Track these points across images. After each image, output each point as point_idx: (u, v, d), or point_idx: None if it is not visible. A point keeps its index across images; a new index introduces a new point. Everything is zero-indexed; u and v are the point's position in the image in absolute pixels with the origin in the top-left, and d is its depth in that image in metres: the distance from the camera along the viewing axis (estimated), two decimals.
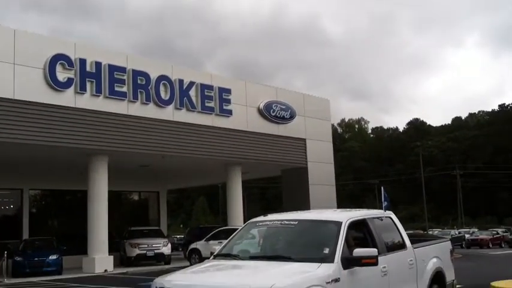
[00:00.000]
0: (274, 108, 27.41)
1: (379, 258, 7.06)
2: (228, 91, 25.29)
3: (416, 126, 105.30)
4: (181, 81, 23.50)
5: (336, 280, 6.28)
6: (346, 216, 7.32)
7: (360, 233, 7.45)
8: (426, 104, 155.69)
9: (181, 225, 74.13)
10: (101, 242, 21.60)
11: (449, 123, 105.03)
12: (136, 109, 21.95)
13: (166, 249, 25.14)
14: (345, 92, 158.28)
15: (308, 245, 7.03)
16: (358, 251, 6.58)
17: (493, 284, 13.37)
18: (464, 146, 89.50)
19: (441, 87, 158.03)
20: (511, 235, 45.30)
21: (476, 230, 51.73)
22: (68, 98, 19.89)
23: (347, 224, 7.03)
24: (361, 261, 6.54)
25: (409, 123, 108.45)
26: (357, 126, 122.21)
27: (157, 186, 32.21)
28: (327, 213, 7.88)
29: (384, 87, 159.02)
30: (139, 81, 22.06)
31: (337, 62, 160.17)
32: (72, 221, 26.88)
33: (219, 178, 29.73)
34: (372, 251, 6.61)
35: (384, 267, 7.21)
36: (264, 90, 27.57)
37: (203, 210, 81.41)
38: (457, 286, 13.44)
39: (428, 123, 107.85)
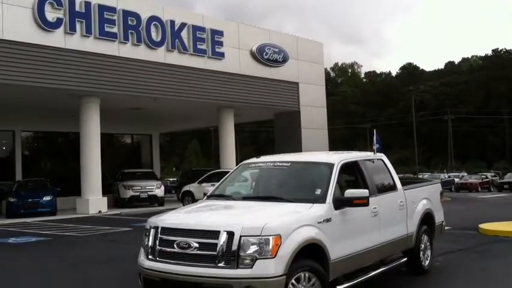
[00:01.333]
0: (267, 51, 27.11)
1: (370, 199, 7.17)
2: (221, 33, 24.93)
3: (410, 71, 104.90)
4: (172, 23, 23.10)
5: (328, 220, 6.39)
6: (339, 158, 7.38)
7: (352, 174, 7.54)
8: (419, 49, 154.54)
9: (174, 169, 74.56)
10: (95, 183, 21.75)
11: (442, 68, 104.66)
12: (127, 51, 21.66)
13: (160, 192, 25.39)
14: (337, 36, 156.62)
15: (300, 186, 7.11)
16: (350, 192, 6.67)
17: (481, 226, 13.79)
18: (456, 90, 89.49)
19: (435, 31, 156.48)
20: (499, 179, 45.99)
21: (465, 174, 52.45)
22: (57, 39, 19.56)
23: (339, 166, 7.09)
24: (353, 202, 6.64)
25: (402, 68, 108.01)
26: (350, 70, 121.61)
27: (149, 129, 32.19)
28: (320, 155, 7.94)
29: (376, 31, 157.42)
30: (129, 22, 21.66)
31: (328, 5, 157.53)
32: (66, 162, 26.98)
33: (212, 121, 29.71)
34: (363, 192, 6.70)
35: (375, 208, 7.34)
36: (257, 33, 27.18)
37: (196, 153, 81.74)
38: (447, 228, 13.78)
39: (421, 68, 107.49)
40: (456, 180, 44.08)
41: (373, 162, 8.07)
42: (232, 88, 25.47)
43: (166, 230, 6.14)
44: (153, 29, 22.41)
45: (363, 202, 6.66)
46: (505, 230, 12.66)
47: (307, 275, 5.98)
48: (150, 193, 25.01)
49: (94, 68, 20.60)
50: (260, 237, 5.65)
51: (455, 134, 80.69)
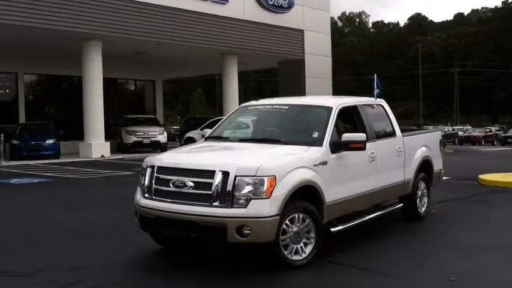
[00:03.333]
0: None
1: (368, 144, 7.16)
2: None
3: (418, 22, 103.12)
4: None
5: (324, 163, 6.40)
6: (337, 102, 7.32)
7: (350, 119, 7.51)
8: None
9: (179, 117, 74.49)
10: (97, 128, 21.79)
11: (451, 19, 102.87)
12: None
13: (162, 138, 25.43)
14: None
15: (298, 129, 7.09)
16: (347, 136, 6.65)
17: (481, 176, 13.83)
18: (464, 43, 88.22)
19: None
20: (503, 133, 45.91)
21: (470, 127, 52.32)
22: None
23: (337, 110, 7.05)
24: (350, 146, 6.63)
25: (410, 18, 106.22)
26: (357, 20, 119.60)
27: (153, 75, 31.97)
28: (318, 98, 7.90)
29: None
30: None
31: None
32: (69, 106, 26.92)
33: (216, 69, 29.40)
34: (361, 136, 6.68)
35: (372, 153, 7.33)
36: None
37: (200, 102, 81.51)
38: (446, 178, 13.83)
39: (429, 19, 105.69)
40: (460, 133, 44.04)
41: (373, 107, 8.01)
42: (235, 34, 25.12)
43: (163, 169, 6.18)
44: None
45: (360, 146, 6.64)
46: (504, 181, 12.69)
47: (301, 216, 6.04)
48: (152, 139, 25.05)
49: (96, 10, 20.30)
50: (255, 177, 5.67)
51: (461, 88, 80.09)
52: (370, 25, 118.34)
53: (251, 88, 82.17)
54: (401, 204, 8.28)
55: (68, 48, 22.17)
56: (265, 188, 5.67)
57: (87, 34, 20.62)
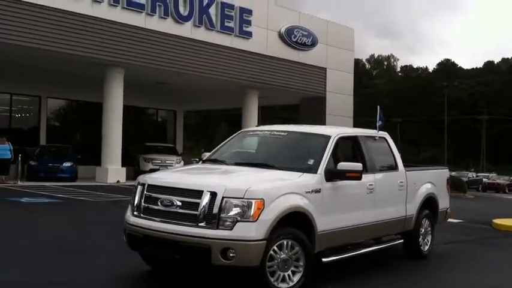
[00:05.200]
0: (295, 33, 26.80)
1: (367, 175, 7.06)
2: (249, 12, 24.71)
3: (447, 67, 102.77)
4: None
5: (317, 191, 6.27)
6: (336, 131, 7.24)
7: (350, 149, 7.39)
8: (457, 47, 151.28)
9: (203, 150, 74.91)
10: (114, 153, 21.94)
11: (481, 66, 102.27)
12: (154, 23, 21.64)
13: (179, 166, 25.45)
14: (372, 28, 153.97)
15: (294, 156, 7.01)
16: (343, 165, 6.54)
17: (495, 220, 13.48)
18: (492, 90, 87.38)
19: (473, 30, 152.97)
20: None
21: (494, 174, 51.36)
22: (85, 6, 19.64)
23: (336, 139, 6.95)
24: (345, 175, 6.51)
25: (439, 64, 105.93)
26: (385, 63, 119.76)
27: (174, 105, 32.25)
28: (318, 127, 7.82)
29: (412, 26, 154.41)
30: None
31: None
32: (89, 132, 27.25)
33: (238, 102, 29.57)
34: (357, 166, 6.55)
35: (371, 184, 7.18)
36: (287, 14, 26.86)
37: (223, 135, 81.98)
38: (459, 220, 13.52)
39: (459, 66, 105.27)
40: (484, 180, 43.23)
41: (375, 139, 7.89)
42: (257, 68, 25.29)
43: (152, 187, 6.13)
44: (181, 2, 22.30)
45: (356, 176, 6.51)
46: None
47: (290, 243, 5.89)
48: (169, 167, 25.06)
49: (119, 38, 20.67)
50: (243, 199, 5.58)
51: (489, 135, 79.02)
52: (399, 69, 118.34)
53: (276, 123, 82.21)
54: (402, 240, 8.05)
55: (91, 74, 22.54)
56: (252, 211, 5.57)
57: (109, 61, 20.97)
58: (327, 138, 6.92)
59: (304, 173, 6.34)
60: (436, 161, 75.91)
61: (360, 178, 6.55)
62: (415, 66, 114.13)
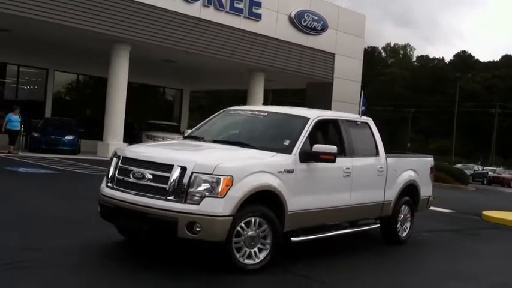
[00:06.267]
0: (306, 18, 26.68)
1: (344, 159, 7.13)
2: None
3: (463, 59, 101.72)
4: None
5: (289, 171, 6.33)
6: (316, 113, 7.28)
7: (329, 132, 7.44)
8: (475, 39, 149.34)
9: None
10: (117, 128, 22.13)
11: (498, 60, 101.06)
12: (163, 1, 21.68)
13: None
14: (390, 16, 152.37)
15: (271, 136, 7.07)
16: (317, 147, 6.58)
17: (485, 212, 13.49)
18: (508, 84, 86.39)
19: (492, 23, 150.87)
20: None
21: (501, 168, 51.00)
22: None
23: (314, 121, 6.99)
24: (319, 157, 6.55)
25: (456, 55, 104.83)
26: (402, 52, 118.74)
27: (181, 84, 32.32)
28: (299, 109, 7.82)
29: (431, 16, 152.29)
30: None
31: None
32: (95, 106, 27.43)
33: (245, 84, 29.61)
34: (331, 148, 6.58)
35: (348, 168, 7.23)
36: None
37: None
38: (449, 211, 13.55)
39: (476, 58, 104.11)
40: (490, 173, 42.99)
41: (357, 124, 7.91)
42: (265, 51, 25.25)
43: (126, 160, 6.23)
44: None
45: (330, 158, 6.55)
46: (507, 219, 12.33)
47: (258, 220, 5.98)
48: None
49: (128, 15, 20.76)
50: (212, 175, 5.66)
51: (500, 129, 78.33)
52: (415, 58, 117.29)
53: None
54: (378, 225, 8.11)
55: (99, 49, 22.68)
56: (220, 187, 5.66)
57: (117, 37, 21.05)
58: (305, 120, 6.96)
59: (278, 153, 6.40)
60: (445, 153, 75.57)
61: (333, 161, 6.58)
62: (431, 57, 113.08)
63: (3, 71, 25.40)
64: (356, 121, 7.92)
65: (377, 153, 8.01)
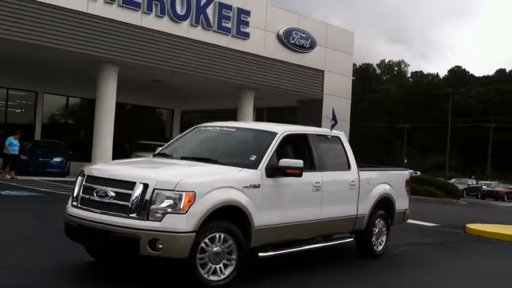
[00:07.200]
0: (294, 35, 26.82)
1: (313, 173, 7.14)
2: (247, 13, 24.76)
3: (458, 74, 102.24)
4: None
5: (256, 186, 6.33)
6: (284, 128, 7.29)
7: (298, 147, 7.43)
8: (469, 54, 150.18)
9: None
10: (105, 150, 22.07)
11: (492, 74, 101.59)
12: (150, 21, 21.72)
13: None
14: (383, 33, 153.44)
15: (238, 151, 7.08)
16: (284, 161, 6.58)
17: (468, 225, 13.45)
18: (503, 99, 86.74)
19: (486, 38, 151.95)
20: None
21: (495, 182, 50.92)
22: (80, 3, 19.82)
23: (282, 136, 7.01)
24: (286, 171, 6.56)
25: (450, 71, 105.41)
26: (396, 68, 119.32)
27: (171, 105, 32.37)
28: (268, 124, 7.84)
29: (424, 32, 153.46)
30: None
31: (375, 2, 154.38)
32: (84, 128, 27.46)
33: (235, 103, 29.69)
34: (297, 162, 6.59)
35: (318, 182, 7.22)
36: (285, 16, 26.88)
37: None
38: (433, 224, 13.51)
39: (470, 73, 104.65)
40: (483, 187, 42.94)
41: (328, 138, 7.93)
42: (254, 69, 25.32)
43: (90, 178, 6.24)
44: (178, 1, 22.41)
45: (296, 172, 6.56)
46: (489, 231, 12.29)
47: (222, 236, 5.96)
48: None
49: (114, 36, 20.78)
50: (173, 192, 5.66)
51: (496, 144, 78.44)
52: (409, 74, 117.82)
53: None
54: (352, 239, 8.09)
55: (87, 71, 22.73)
56: (182, 203, 5.65)
57: (104, 58, 21.11)
58: (273, 134, 6.98)
59: (245, 168, 6.40)
60: (442, 167, 75.50)
61: (300, 175, 6.58)
62: (425, 73, 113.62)
63: None
64: (326, 135, 7.94)
65: (349, 167, 8.01)
